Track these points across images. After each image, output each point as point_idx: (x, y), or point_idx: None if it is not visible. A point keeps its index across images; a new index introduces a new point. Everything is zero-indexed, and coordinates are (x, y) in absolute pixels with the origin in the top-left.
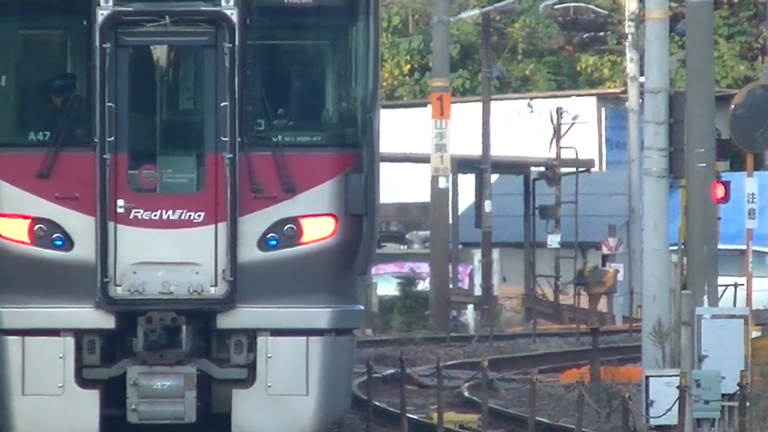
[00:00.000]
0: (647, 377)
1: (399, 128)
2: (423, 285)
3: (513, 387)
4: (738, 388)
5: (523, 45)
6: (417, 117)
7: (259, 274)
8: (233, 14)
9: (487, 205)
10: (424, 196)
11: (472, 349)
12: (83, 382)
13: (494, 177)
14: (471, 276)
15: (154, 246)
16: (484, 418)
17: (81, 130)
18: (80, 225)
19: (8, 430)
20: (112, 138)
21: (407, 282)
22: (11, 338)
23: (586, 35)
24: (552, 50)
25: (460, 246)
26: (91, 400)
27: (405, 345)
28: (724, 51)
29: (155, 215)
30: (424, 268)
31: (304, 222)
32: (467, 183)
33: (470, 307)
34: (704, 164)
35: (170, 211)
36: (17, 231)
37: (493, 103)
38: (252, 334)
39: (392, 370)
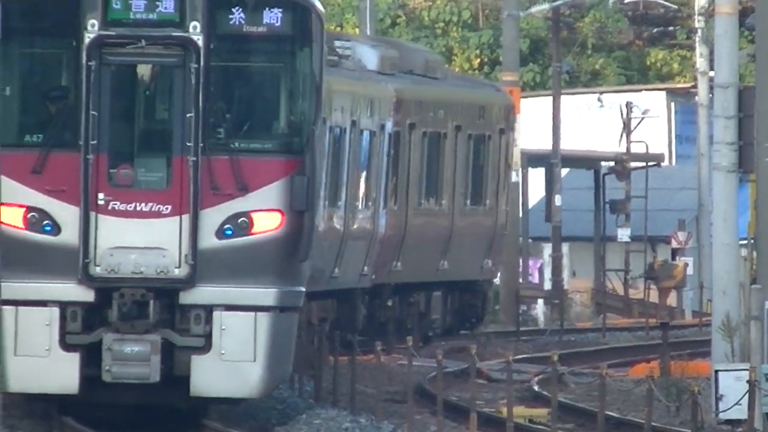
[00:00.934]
0: (716, 371)
1: None
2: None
3: (582, 381)
4: None
5: (593, 39)
6: None
7: (216, 259)
8: (199, 39)
9: (557, 200)
10: None
11: (541, 343)
12: (66, 346)
13: (564, 171)
14: (541, 270)
15: (128, 233)
16: (554, 412)
17: (69, 134)
18: (67, 214)
19: (3, 384)
20: (95, 141)
21: None
22: (7, 308)
23: (655, 30)
24: (621, 45)
25: (530, 240)
26: (72, 362)
27: (475, 339)
28: None
29: (130, 207)
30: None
31: (255, 216)
32: (537, 177)
33: (540, 301)
34: None
35: (143, 204)
36: (14, 217)
37: (563, 98)
38: (209, 309)
39: (462, 365)
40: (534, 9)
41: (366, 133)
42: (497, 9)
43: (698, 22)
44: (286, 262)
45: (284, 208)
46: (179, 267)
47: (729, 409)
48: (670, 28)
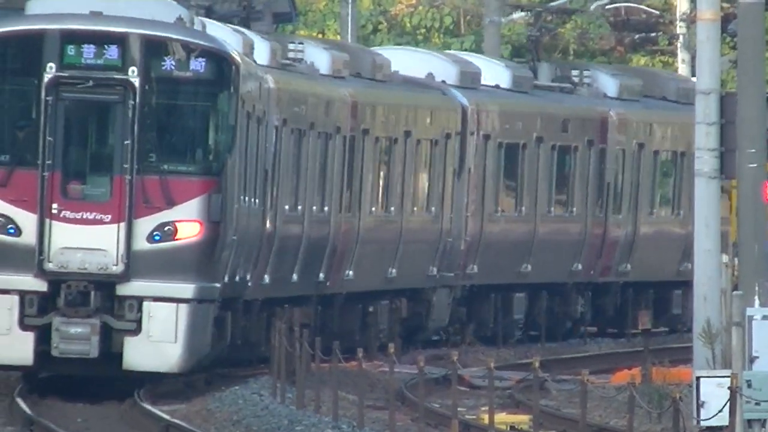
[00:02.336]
0: (698, 378)
1: None
2: None
3: (564, 388)
4: None
5: (575, 45)
6: None
7: (146, 259)
8: (136, 81)
9: None
10: None
11: (523, 350)
12: (24, 326)
13: None
14: None
15: (76, 236)
16: (535, 419)
17: (30, 155)
18: (26, 219)
19: None
20: (51, 161)
21: None
22: None
23: (637, 36)
24: (603, 51)
25: None
26: (28, 340)
27: (456, 346)
28: None
29: (78, 215)
30: None
31: (179, 225)
32: None
33: None
34: (755, 165)
35: (88, 213)
36: None
37: None
38: (140, 300)
39: (444, 371)
40: (516, 15)
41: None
42: (479, 15)
43: (680, 28)
44: (203, 263)
45: (203, 219)
46: (117, 265)
47: (712, 417)
48: (652, 34)
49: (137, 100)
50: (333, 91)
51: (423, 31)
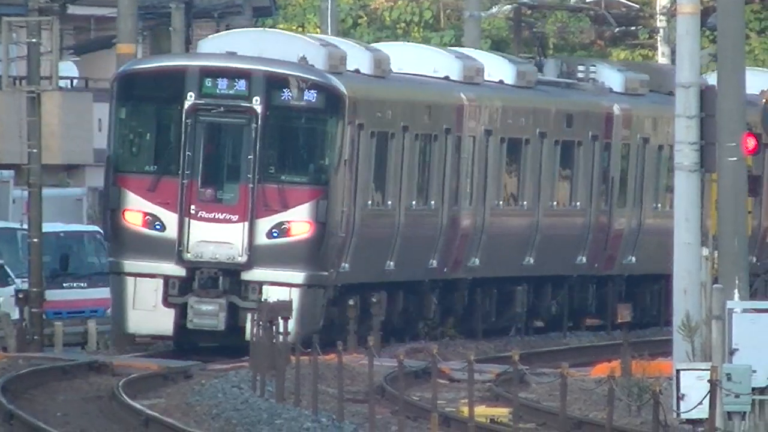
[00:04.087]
0: (678, 371)
1: None
2: None
3: (544, 381)
4: None
5: (555, 40)
6: None
7: (265, 252)
8: (259, 108)
9: None
10: None
11: (503, 342)
12: (167, 304)
13: None
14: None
15: (209, 232)
16: (515, 412)
17: (173, 166)
18: (170, 218)
19: (123, 327)
20: (189, 171)
21: None
22: (129, 278)
23: (617, 29)
24: (583, 45)
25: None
26: (170, 315)
27: (436, 339)
28: (756, 45)
29: (211, 215)
30: None
31: (292, 224)
32: None
33: None
34: (735, 158)
35: (219, 214)
36: (135, 219)
37: None
38: (260, 284)
39: (424, 364)
40: (495, 9)
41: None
42: (459, 9)
43: (660, 22)
44: (312, 255)
45: (312, 220)
46: (242, 256)
47: (692, 409)
48: (632, 28)
49: (259, 123)
50: (448, 96)
51: (403, 25)
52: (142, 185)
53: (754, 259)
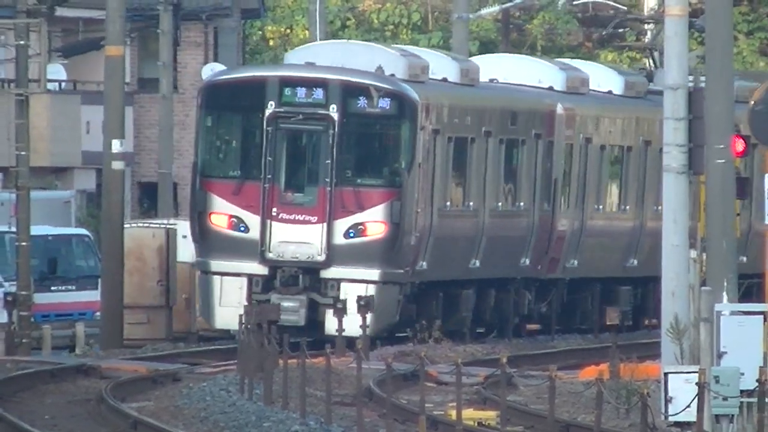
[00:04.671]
0: (666, 374)
1: None
2: None
3: (532, 384)
4: (757, 384)
5: (543, 41)
6: None
7: (343, 250)
8: (335, 116)
9: None
10: None
11: (490, 345)
12: (251, 301)
13: None
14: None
15: (290, 233)
16: (503, 414)
17: (255, 171)
18: (253, 220)
19: (212, 323)
20: (270, 176)
21: None
22: (215, 277)
23: (605, 31)
24: (571, 46)
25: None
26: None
27: (424, 342)
28: (744, 47)
29: (291, 217)
30: None
31: (368, 225)
32: None
33: None
34: (723, 160)
35: (299, 215)
36: (221, 221)
37: None
38: (338, 281)
39: (412, 367)
40: (484, 11)
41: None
42: (447, 11)
43: (648, 24)
44: (387, 254)
45: (386, 221)
46: (320, 255)
47: (680, 412)
48: (620, 30)
49: (336, 130)
50: (540, 104)
51: (391, 27)
52: (227, 189)
53: (745, 259)
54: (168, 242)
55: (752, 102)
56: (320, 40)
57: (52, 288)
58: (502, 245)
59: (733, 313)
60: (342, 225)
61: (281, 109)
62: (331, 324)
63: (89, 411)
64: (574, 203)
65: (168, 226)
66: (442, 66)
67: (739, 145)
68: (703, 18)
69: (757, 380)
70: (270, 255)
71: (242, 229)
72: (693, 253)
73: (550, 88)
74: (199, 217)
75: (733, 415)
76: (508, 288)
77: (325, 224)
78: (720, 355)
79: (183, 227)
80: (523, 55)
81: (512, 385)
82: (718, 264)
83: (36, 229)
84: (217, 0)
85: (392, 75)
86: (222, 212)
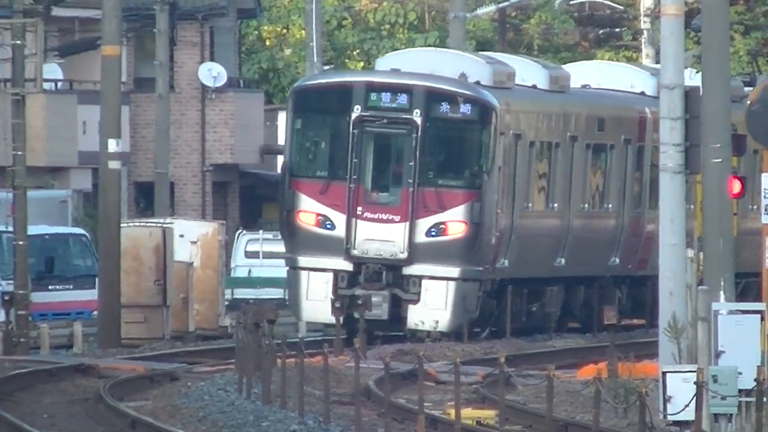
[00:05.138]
0: (664, 373)
1: None
2: None
3: (530, 383)
4: (755, 383)
5: (539, 41)
6: None
7: (424, 248)
8: (418, 120)
9: None
10: None
11: (489, 344)
12: (336, 295)
13: None
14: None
15: (374, 231)
16: (502, 414)
17: (341, 171)
18: (339, 218)
19: (298, 316)
20: (356, 176)
21: None
22: (303, 272)
23: (601, 31)
24: (568, 46)
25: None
26: (340, 305)
27: (422, 341)
28: (740, 47)
29: (376, 216)
30: None
31: (449, 224)
32: None
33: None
34: (720, 159)
35: (383, 214)
36: (308, 219)
37: None
38: (420, 278)
39: (410, 366)
40: (480, 11)
41: None
42: (443, 11)
43: (644, 24)
44: (467, 252)
45: (467, 221)
46: (403, 252)
47: (679, 411)
48: (616, 30)
49: (419, 133)
50: (630, 109)
51: (387, 26)
52: (315, 189)
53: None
54: (165, 242)
55: (749, 102)
56: (316, 39)
57: (50, 287)
58: (589, 245)
59: (730, 312)
60: (424, 224)
61: (367, 113)
62: (413, 318)
63: (87, 410)
64: None
65: (165, 226)
66: (531, 73)
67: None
68: (700, 18)
69: (755, 379)
70: (355, 252)
71: (329, 226)
72: (690, 253)
73: (642, 94)
74: (288, 215)
75: (731, 415)
76: (595, 285)
77: (407, 223)
78: (718, 355)
79: (179, 226)
80: (616, 62)
81: (511, 384)
82: (716, 263)
83: (33, 229)
84: (213, 0)
85: (477, 82)
86: (310, 210)
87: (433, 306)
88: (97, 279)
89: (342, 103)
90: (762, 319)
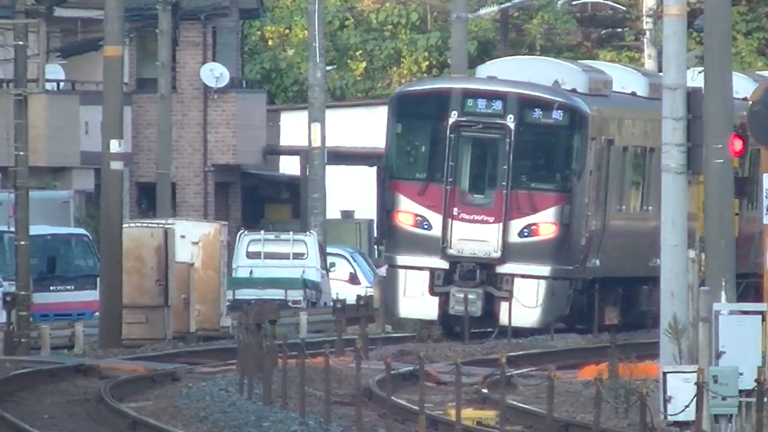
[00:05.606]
0: (665, 373)
1: None
2: None
3: (531, 383)
4: (755, 384)
5: (541, 41)
6: None
7: (516, 248)
8: (512, 125)
9: None
10: None
11: (490, 345)
12: (433, 293)
13: None
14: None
15: (469, 231)
16: (502, 414)
17: (438, 174)
18: (436, 219)
19: (396, 312)
20: (452, 179)
21: None
22: (400, 270)
23: (604, 31)
24: (570, 46)
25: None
26: (435, 302)
27: (423, 341)
28: (743, 47)
29: (471, 217)
30: None
31: (540, 225)
32: None
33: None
34: (722, 160)
35: (478, 216)
36: (407, 220)
37: None
38: (512, 276)
39: (411, 367)
40: (482, 11)
41: None
42: (445, 11)
43: (646, 24)
44: (557, 252)
45: (557, 222)
46: (496, 252)
47: (679, 412)
48: (619, 30)
49: (512, 138)
50: None
51: (389, 27)
52: (413, 190)
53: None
54: (166, 242)
55: (751, 102)
56: (318, 40)
57: (51, 288)
58: None
59: (731, 312)
60: (516, 225)
61: (463, 119)
62: (505, 315)
63: (88, 411)
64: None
65: (166, 226)
66: (631, 81)
67: (738, 145)
68: (702, 18)
69: (755, 380)
70: (451, 251)
71: (426, 226)
72: (692, 253)
73: (744, 99)
74: (387, 216)
75: (731, 415)
76: None
77: (501, 224)
78: (718, 355)
79: (181, 227)
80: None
81: (511, 384)
82: (717, 264)
83: (35, 229)
84: (216, 0)
85: (573, 89)
86: (408, 211)
87: (525, 303)
88: (98, 279)
89: (440, 109)
90: (763, 319)
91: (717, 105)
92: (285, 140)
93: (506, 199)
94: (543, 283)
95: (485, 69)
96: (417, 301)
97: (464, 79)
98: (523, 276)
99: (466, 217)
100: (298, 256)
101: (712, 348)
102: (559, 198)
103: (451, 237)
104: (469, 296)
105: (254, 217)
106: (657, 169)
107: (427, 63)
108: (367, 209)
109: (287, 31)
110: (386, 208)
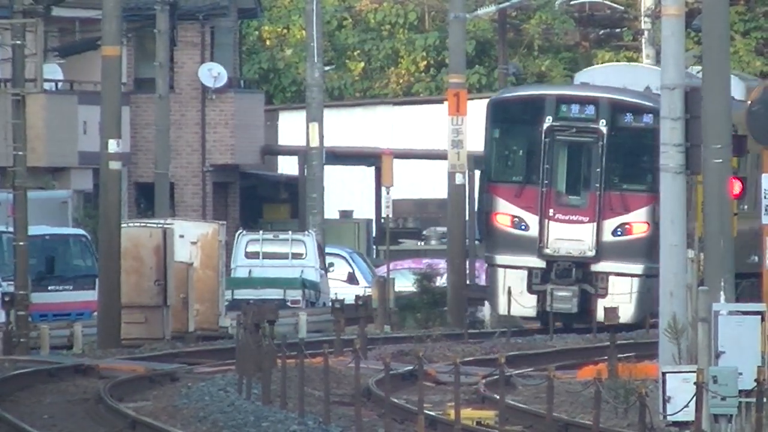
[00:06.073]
0: (664, 373)
1: (416, 125)
2: (440, 281)
3: (530, 383)
4: (755, 384)
5: (539, 41)
6: (433, 113)
7: (610, 247)
8: (604, 129)
9: None
10: (441, 192)
11: (489, 345)
12: (530, 291)
13: None
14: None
15: (564, 231)
16: (502, 414)
17: (534, 177)
18: (532, 220)
19: (495, 307)
20: (547, 181)
21: (424, 278)
22: (500, 269)
23: (602, 31)
24: (568, 46)
25: (477, 242)
26: (533, 299)
27: (422, 341)
28: (741, 47)
29: (566, 217)
30: (441, 264)
31: (633, 225)
32: None
33: (487, 303)
34: (720, 160)
35: (573, 216)
36: (504, 221)
37: None
38: (607, 274)
39: (410, 367)
40: (480, 11)
41: None
42: (443, 11)
43: (644, 24)
44: (649, 251)
45: (649, 221)
46: (591, 251)
47: (678, 412)
48: (617, 30)
49: (605, 141)
50: None
51: (387, 27)
52: (510, 192)
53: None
54: (165, 242)
55: (749, 102)
56: (316, 40)
57: (50, 288)
58: None
59: (730, 312)
60: (610, 225)
61: (557, 123)
62: (600, 311)
63: (87, 411)
64: None
65: (165, 226)
66: (732, 86)
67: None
68: (700, 18)
69: (755, 380)
70: (547, 250)
71: (523, 227)
72: (691, 253)
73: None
74: (486, 217)
75: (731, 415)
76: None
77: (595, 224)
78: (718, 355)
79: (179, 227)
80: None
81: (511, 384)
82: (716, 264)
83: (33, 229)
84: (214, 0)
85: (653, 95)
86: (505, 212)
87: (619, 300)
88: (97, 279)
89: (535, 114)
90: (762, 319)
91: (715, 105)
92: (283, 140)
93: (599, 200)
94: (636, 280)
95: (581, 76)
96: (516, 298)
97: (558, 86)
98: (617, 274)
99: (562, 217)
100: (296, 256)
101: (711, 348)
102: (650, 198)
103: (547, 237)
104: (565, 294)
105: (253, 217)
106: (751, 168)
107: (425, 63)
108: (365, 209)
109: (285, 31)
110: (485, 209)
